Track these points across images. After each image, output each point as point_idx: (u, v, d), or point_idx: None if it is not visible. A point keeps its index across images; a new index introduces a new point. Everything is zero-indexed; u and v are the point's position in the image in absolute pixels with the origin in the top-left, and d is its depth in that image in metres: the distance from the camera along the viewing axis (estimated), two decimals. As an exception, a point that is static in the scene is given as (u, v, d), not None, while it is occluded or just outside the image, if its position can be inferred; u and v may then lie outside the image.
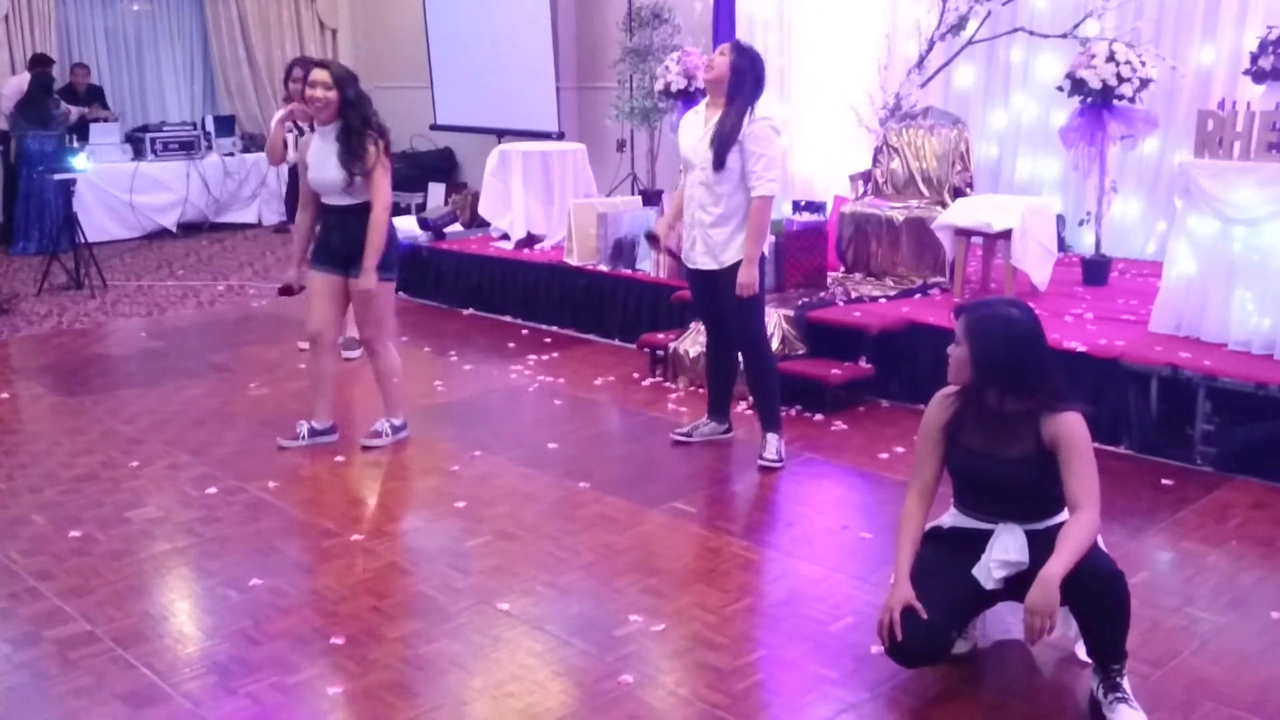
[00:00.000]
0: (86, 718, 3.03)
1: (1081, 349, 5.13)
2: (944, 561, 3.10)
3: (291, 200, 5.88)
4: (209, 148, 11.84)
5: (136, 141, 11.53)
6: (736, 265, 4.70)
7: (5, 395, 6.04)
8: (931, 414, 3.20)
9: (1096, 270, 6.53)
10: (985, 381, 3.03)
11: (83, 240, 8.83)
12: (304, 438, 5.16)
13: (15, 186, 10.51)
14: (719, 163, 4.62)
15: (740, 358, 5.03)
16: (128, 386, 6.23)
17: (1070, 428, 2.95)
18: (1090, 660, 3.01)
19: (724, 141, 4.61)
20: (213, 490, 4.64)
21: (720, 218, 4.71)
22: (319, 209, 5.03)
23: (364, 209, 4.88)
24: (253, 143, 12.03)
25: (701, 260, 4.82)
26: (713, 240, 4.75)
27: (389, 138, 4.99)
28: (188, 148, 11.65)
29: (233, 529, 4.28)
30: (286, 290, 5.22)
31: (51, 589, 3.77)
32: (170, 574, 3.95)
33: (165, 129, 11.81)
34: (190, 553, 4.09)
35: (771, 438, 4.88)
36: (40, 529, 4.28)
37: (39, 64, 10.70)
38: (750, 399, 5.14)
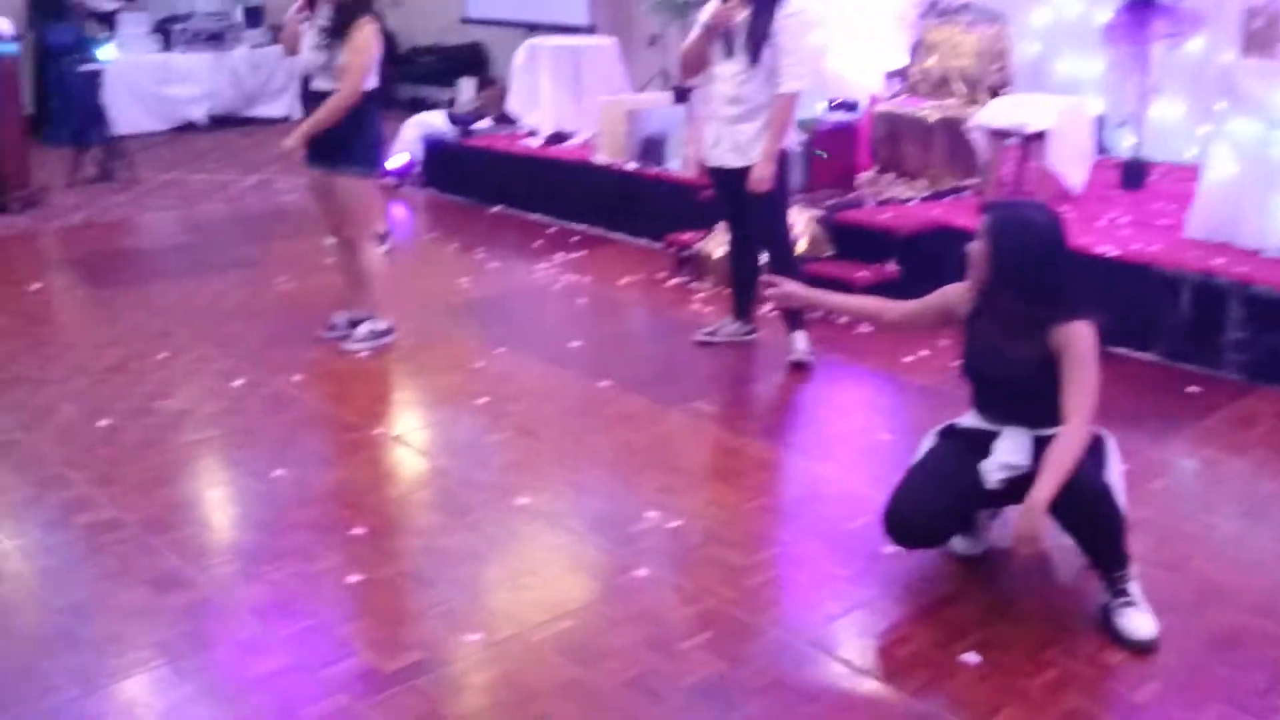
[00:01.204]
0: (113, 600, 3.11)
1: (1114, 254, 5.05)
2: (952, 455, 3.13)
3: (306, 95, 5.75)
4: (238, 39, 11.72)
5: (166, 32, 11.43)
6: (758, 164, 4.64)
7: (37, 286, 6.10)
8: (949, 294, 3.25)
9: (1134, 174, 6.39)
10: (1001, 281, 3.01)
11: (112, 133, 8.81)
12: (342, 328, 5.18)
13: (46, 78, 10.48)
14: (754, 58, 4.53)
15: (765, 257, 4.97)
16: (157, 280, 6.27)
17: (1076, 337, 2.93)
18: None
19: (759, 37, 4.51)
20: (239, 382, 4.70)
21: (749, 112, 4.64)
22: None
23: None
24: (281, 34, 11.89)
25: (728, 157, 4.75)
26: (741, 135, 4.68)
27: (382, 23, 4.86)
28: (217, 39, 11.53)
29: (258, 421, 4.34)
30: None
31: (80, 477, 3.85)
32: (196, 464, 4.03)
33: (194, 19, 11.69)
34: (216, 444, 4.16)
35: (798, 335, 4.86)
36: (69, 418, 4.35)
37: None
38: None
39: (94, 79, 8.85)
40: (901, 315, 3.40)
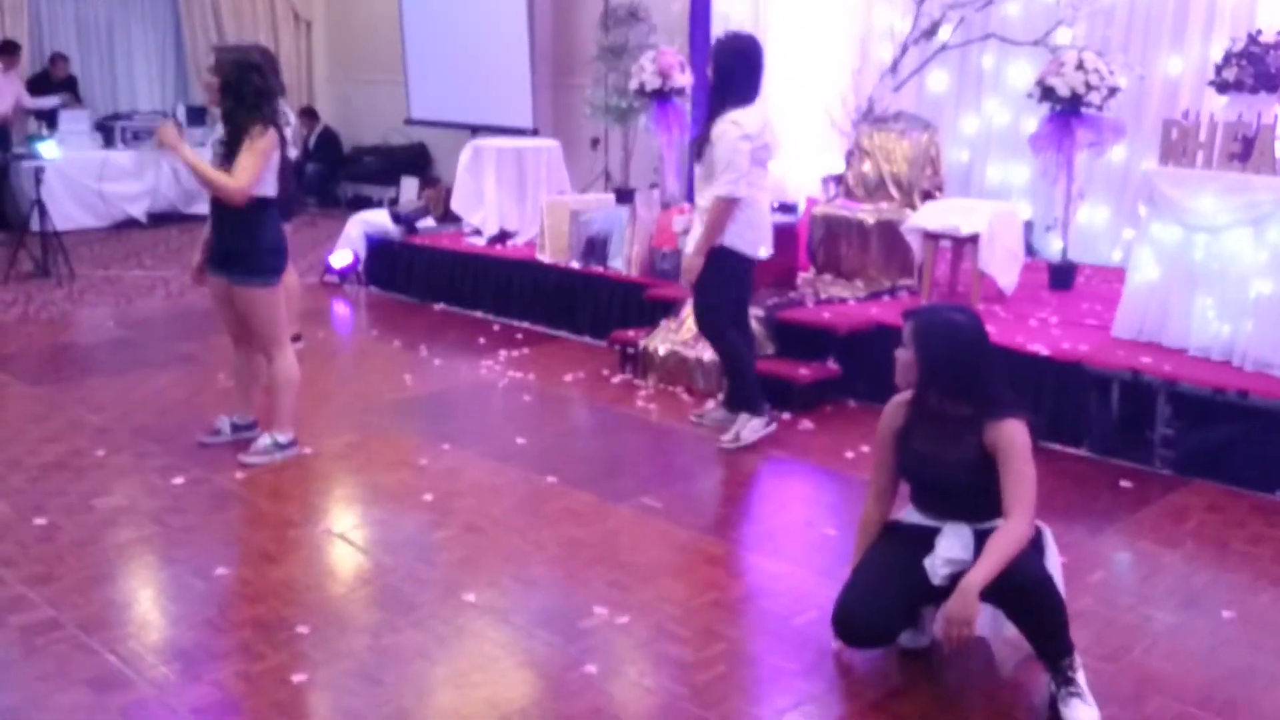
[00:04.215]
0: (51, 702, 3.03)
1: (1045, 353, 5.20)
2: (895, 553, 3.19)
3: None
4: (180, 137, 11.73)
5: (107, 130, 11.45)
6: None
7: (-30, 382, 6.00)
8: (885, 419, 3.32)
9: (1063, 275, 6.62)
10: (929, 384, 3.12)
11: (50, 228, 8.76)
12: (225, 433, 5.08)
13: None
14: (697, 158, 4.88)
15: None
16: (95, 375, 6.20)
17: (1009, 435, 3.03)
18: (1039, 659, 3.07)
19: (700, 141, 4.88)
20: (179, 480, 4.63)
21: (701, 213, 4.93)
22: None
23: (243, 207, 4.63)
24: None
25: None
26: (696, 234, 4.97)
27: (279, 128, 4.71)
28: (158, 137, 11.57)
29: (199, 518, 4.28)
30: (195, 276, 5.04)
31: (15, 576, 3.76)
32: (135, 562, 3.95)
33: (136, 118, 11.73)
34: (156, 541, 4.09)
35: (742, 418, 5.04)
36: (4, 516, 4.26)
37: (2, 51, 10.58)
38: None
39: (36, 175, 8.83)
40: (885, 486, 3.32)
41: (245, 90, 4.61)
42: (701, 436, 5.22)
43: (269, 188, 4.71)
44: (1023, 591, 2.92)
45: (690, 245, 4.94)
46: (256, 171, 4.58)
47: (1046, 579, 2.98)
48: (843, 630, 3.16)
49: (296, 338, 6.60)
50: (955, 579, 3.02)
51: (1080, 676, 2.98)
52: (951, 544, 3.07)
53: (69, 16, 12.29)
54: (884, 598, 3.11)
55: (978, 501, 3.10)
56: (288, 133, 5.31)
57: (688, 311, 5.92)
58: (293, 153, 5.71)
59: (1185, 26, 6.91)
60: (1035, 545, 3.05)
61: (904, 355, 3.15)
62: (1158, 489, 4.65)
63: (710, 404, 5.41)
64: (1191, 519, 4.36)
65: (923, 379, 3.12)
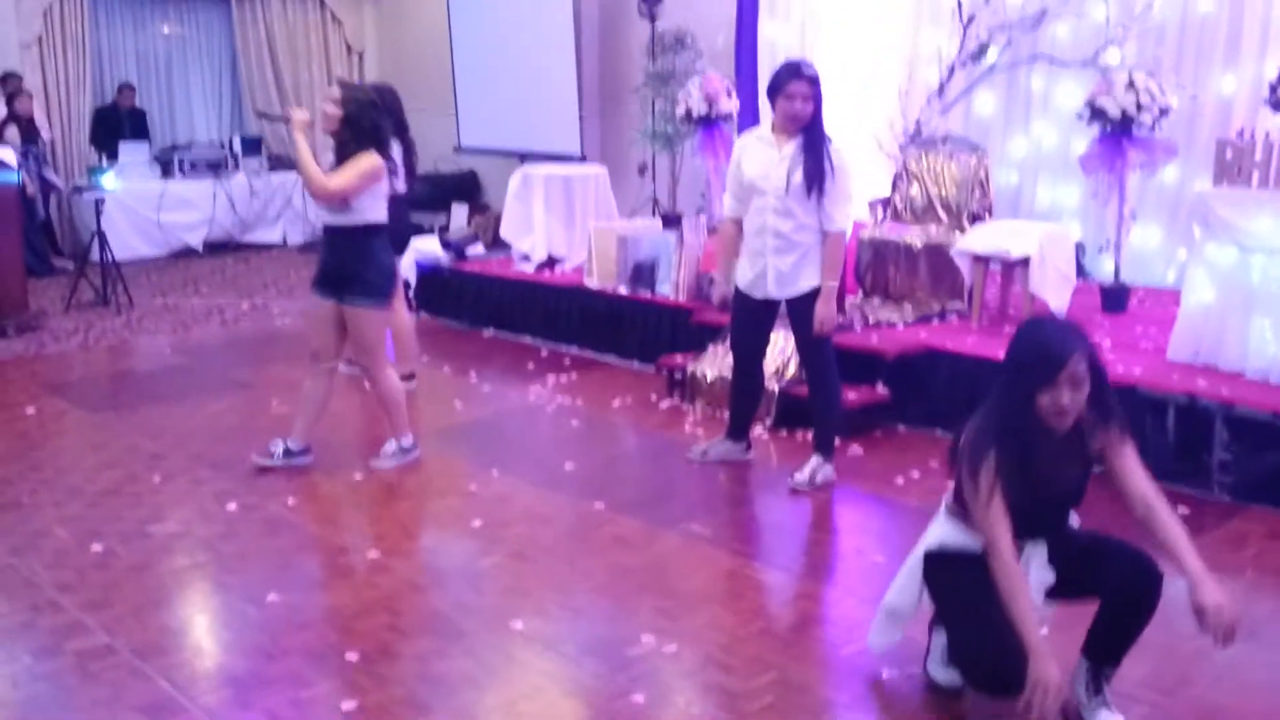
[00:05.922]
0: (104, 729, 3.07)
1: (1098, 376, 5.13)
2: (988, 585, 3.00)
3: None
4: (236, 168, 11.97)
5: (165, 161, 11.68)
6: (807, 294, 4.74)
7: (31, 410, 6.12)
8: (995, 479, 2.91)
9: (1115, 298, 6.53)
10: (1106, 403, 2.93)
11: (110, 258, 8.94)
12: (278, 458, 5.14)
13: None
14: (808, 195, 4.63)
15: (811, 384, 5.00)
16: (152, 402, 6.30)
17: (1121, 431, 2.94)
18: (1084, 655, 3.03)
19: (818, 177, 4.60)
20: (233, 506, 4.70)
21: (795, 244, 4.71)
22: None
23: (355, 232, 4.87)
24: (279, 163, 12.14)
25: (775, 290, 4.80)
26: (785, 267, 4.75)
27: (391, 160, 4.96)
28: (215, 168, 11.78)
29: (252, 545, 4.33)
30: None
31: (73, 602, 3.82)
32: (189, 588, 4.01)
33: (193, 149, 11.97)
34: (209, 568, 4.14)
35: (815, 460, 4.91)
36: (62, 542, 4.34)
37: None
38: (814, 426, 5.09)
39: (96, 206, 9.02)
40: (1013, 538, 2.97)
41: (364, 124, 4.84)
42: (749, 462, 5.20)
43: (377, 214, 4.92)
44: (1145, 581, 2.89)
45: (802, 282, 4.73)
46: (351, 184, 4.79)
47: (1163, 576, 2.94)
48: (1015, 686, 2.77)
49: (410, 376, 6.47)
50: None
51: (1109, 688, 3.00)
52: (1039, 565, 2.97)
53: (130, 50, 12.58)
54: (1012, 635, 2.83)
55: (1067, 509, 3.06)
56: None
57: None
58: (400, 186, 5.90)
59: (1239, 44, 6.81)
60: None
61: (1080, 394, 2.83)
62: (1216, 515, 4.56)
63: (718, 439, 5.27)
64: (1251, 546, 4.27)
65: (1098, 402, 2.90)
